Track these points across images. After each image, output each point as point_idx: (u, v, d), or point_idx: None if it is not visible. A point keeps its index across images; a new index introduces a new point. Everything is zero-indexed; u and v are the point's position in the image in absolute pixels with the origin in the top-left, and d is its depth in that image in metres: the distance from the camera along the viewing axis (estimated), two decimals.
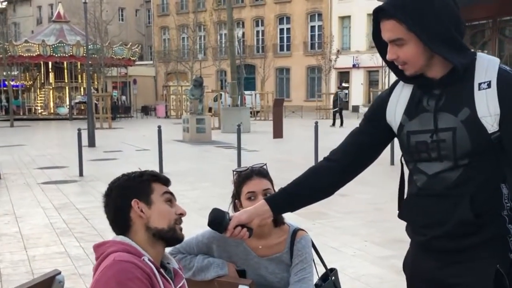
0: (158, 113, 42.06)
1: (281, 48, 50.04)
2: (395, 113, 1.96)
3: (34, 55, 36.34)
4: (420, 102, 1.90)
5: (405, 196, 2.03)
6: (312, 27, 48.44)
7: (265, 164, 2.59)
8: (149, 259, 1.84)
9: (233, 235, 2.04)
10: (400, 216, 2.03)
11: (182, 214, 1.97)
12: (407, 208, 2.00)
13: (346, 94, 30.66)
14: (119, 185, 1.94)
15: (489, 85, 1.77)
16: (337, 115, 27.21)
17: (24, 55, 36.28)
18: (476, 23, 10.96)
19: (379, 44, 1.93)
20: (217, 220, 2.03)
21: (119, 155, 15.39)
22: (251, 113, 29.74)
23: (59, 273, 2.41)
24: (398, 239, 5.79)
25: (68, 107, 38.02)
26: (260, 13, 50.79)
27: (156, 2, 59.07)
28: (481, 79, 1.79)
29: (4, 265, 5.43)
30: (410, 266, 2.06)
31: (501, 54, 11.71)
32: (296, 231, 2.56)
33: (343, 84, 45.76)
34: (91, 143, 17.72)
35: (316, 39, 47.59)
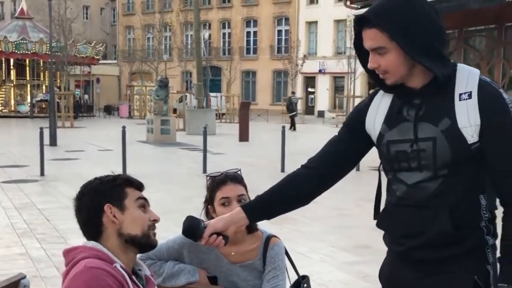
0: (121, 113, 41.56)
1: (248, 51, 50.08)
2: (374, 123, 1.95)
3: None
4: (400, 111, 1.89)
5: (381, 205, 2.03)
6: (279, 31, 48.63)
7: (240, 170, 2.56)
8: (121, 266, 1.79)
9: (208, 243, 2.00)
10: (378, 225, 2.02)
11: (156, 220, 1.92)
12: (385, 218, 1.99)
13: (298, 99, 31.38)
14: (92, 188, 1.88)
15: (469, 96, 1.78)
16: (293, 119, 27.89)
17: None
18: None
19: (361, 52, 1.91)
20: (192, 228, 1.99)
21: (82, 155, 15.15)
22: (216, 115, 29.66)
23: (24, 277, 2.33)
24: (364, 245, 5.83)
25: (29, 105, 37.27)
26: (227, 16, 50.74)
27: (121, 1, 58.43)
28: (461, 90, 1.80)
29: None
30: (387, 275, 2.05)
31: (466, 64, 11.91)
32: (269, 238, 2.53)
33: (309, 89, 46.08)
34: (53, 142, 17.37)
35: (283, 43, 47.78)
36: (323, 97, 44.88)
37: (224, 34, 51.50)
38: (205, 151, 11.76)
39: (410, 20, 1.75)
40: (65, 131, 23.38)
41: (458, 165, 1.79)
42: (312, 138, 17.84)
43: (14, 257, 5.61)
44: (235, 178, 2.47)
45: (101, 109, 44.28)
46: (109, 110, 44.39)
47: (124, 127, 11.89)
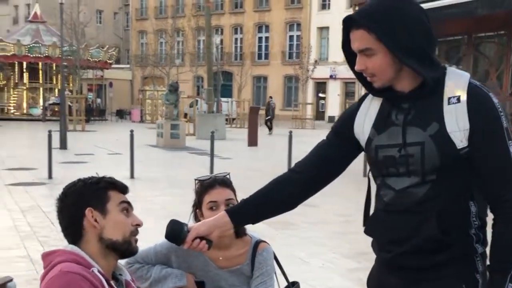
0: (133, 117, 41.73)
1: (259, 57, 50.15)
2: (363, 127, 1.91)
3: (8, 54, 35.78)
4: (389, 116, 1.85)
5: (371, 211, 1.99)
6: (291, 37, 48.65)
7: (229, 174, 2.53)
8: (98, 271, 1.75)
9: (191, 247, 1.96)
10: (366, 231, 1.98)
11: (138, 225, 1.88)
12: (373, 224, 1.95)
13: (274, 103, 32.62)
14: (74, 191, 1.84)
15: (458, 100, 1.74)
16: (268, 123, 29.01)
17: None
18: (451, 39, 11.07)
19: (349, 55, 1.88)
20: (175, 232, 1.95)
21: (90, 158, 15.18)
22: (227, 120, 29.71)
23: (11, 280, 2.31)
24: (366, 252, 5.75)
25: (41, 108, 37.52)
26: (239, 21, 50.85)
27: (135, 6, 58.79)
28: (450, 94, 1.76)
29: None
30: (375, 283, 2.01)
31: (475, 70, 11.85)
32: (258, 243, 2.51)
33: (320, 95, 46.03)
34: (63, 145, 17.48)
35: (294, 49, 47.80)
36: (334, 103, 44.79)
37: (236, 39, 51.60)
38: (212, 155, 11.74)
39: (398, 21, 1.72)
40: (76, 135, 23.51)
41: (447, 170, 1.75)
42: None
43: (15, 259, 5.60)
44: (224, 182, 2.44)
45: (113, 113, 44.48)
46: (121, 114, 44.60)
47: (132, 131, 11.91)
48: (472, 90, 1.74)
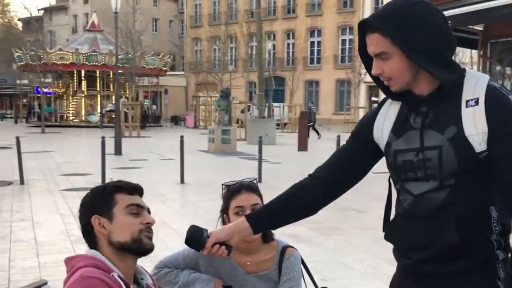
0: (187, 123, 42.32)
1: (311, 61, 49.98)
2: (382, 131, 1.89)
3: (67, 63, 36.91)
4: (407, 120, 1.83)
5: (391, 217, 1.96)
6: (343, 41, 48.31)
7: (255, 179, 2.55)
8: (118, 275, 1.79)
9: (210, 253, 1.98)
10: (386, 237, 1.96)
11: (149, 223, 1.90)
12: (393, 229, 1.92)
13: (315, 108, 32.28)
14: (83, 201, 1.92)
15: (476, 102, 1.70)
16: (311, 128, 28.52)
17: (58, 63, 36.87)
18: (504, 40, 10.74)
19: (366, 59, 1.87)
20: (195, 237, 1.97)
21: (144, 164, 15.48)
22: (279, 125, 29.72)
23: (46, 283, 2.38)
24: None
25: (99, 115, 38.52)
26: (292, 26, 50.86)
27: (189, 14, 59.67)
28: (469, 96, 1.72)
29: (14, 271, 5.46)
30: None
31: None
32: (285, 248, 2.50)
33: (373, 98, 45.47)
34: (118, 151, 17.88)
35: (347, 53, 47.43)
36: None
37: (288, 44, 51.63)
38: (260, 160, 11.78)
39: (413, 24, 1.70)
40: (131, 141, 24.04)
41: (466, 174, 1.71)
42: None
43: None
44: (250, 187, 2.45)
45: (168, 119, 45.23)
46: (176, 120, 45.30)
47: (182, 137, 12.09)
48: (490, 92, 1.70)
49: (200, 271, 2.49)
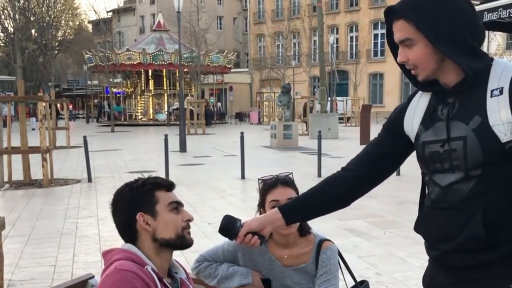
0: (251, 119, 42.63)
1: (375, 54, 49.20)
2: (412, 124, 1.89)
3: (135, 63, 37.86)
4: (435, 111, 1.82)
5: None
6: None
7: (291, 173, 2.57)
8: (152, 269, 1.84)
9: (243, 242, 2.01)
10: (416, 228, 1.95)
11: (189, 220, 1.95)
12: (422, 221, 1.91)
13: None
14: (123, 198, 1.93)
15: (501, 92, 1.67)
16: None
17: (126, 63, 37.91)
18: None
19: (394, 48, 1.87)
20: (228, 227, 2.01)
21: (207, 160, 15.73)
22: (342, 119, 29.42)
23: (93, 277, 2.47)
24: None
25: (166, 113, 39.33)
26: (355, 19, 50.23)
27: (252, 10, 59.99)
28: (494, 86, 1.69)
29: (77, 265, 5.67)
30: (428, 281, 1.97)
31: None
32: (322, 241, 2.52)
33: None
34: (183, 149, 18.25)
35: None
36: None
37: (351, 37, 51.02)
38: (319, 154, 11.75)
39: (438, 11, 1.69)
40: (196, 138, 24.47)
41: (492, 165, 1.68)
42: None
43: None
44: (285, 181, 2.48)
45: (233, 116, 45.64)
46: (240, 116, 45.70)
47: (242, 133, 12.21)
48: None
49: (239, 264, 2.54)
